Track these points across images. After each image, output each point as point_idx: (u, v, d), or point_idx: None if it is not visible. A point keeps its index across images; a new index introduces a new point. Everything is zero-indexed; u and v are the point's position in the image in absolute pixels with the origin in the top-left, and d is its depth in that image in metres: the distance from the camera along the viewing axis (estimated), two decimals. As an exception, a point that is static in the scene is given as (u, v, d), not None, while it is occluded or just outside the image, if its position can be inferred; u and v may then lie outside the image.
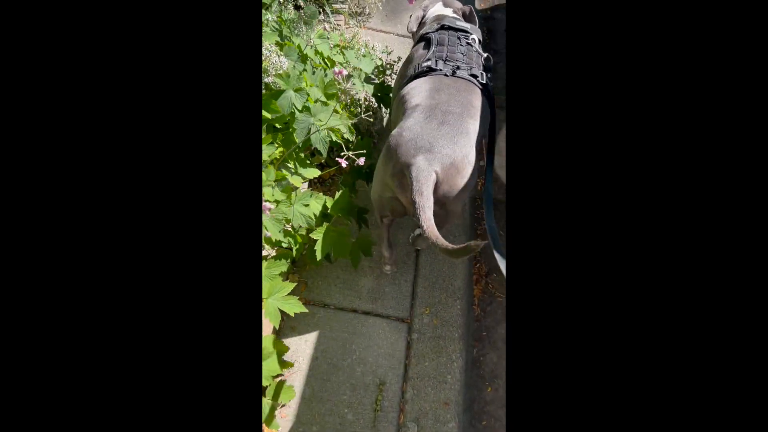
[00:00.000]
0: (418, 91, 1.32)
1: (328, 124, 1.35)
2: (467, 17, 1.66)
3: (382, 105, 1.81)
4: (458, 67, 1.37)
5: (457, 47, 1.44)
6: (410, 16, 1.67)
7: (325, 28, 2.18)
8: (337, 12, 2.16)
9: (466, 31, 1.51)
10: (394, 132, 1.22)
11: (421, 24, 1.66)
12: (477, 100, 1.32)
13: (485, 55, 1.50)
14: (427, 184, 1.10)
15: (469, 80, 1.35)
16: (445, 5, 1.68)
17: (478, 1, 2.94)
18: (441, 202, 1.18)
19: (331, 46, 1.72)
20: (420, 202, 1.09)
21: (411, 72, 1.43)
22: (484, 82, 1.38)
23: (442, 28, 1.50)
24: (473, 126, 1.25)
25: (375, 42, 2.33)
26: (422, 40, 1.53)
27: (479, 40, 1.55)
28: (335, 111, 1.38)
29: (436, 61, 1.39)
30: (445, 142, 1.15)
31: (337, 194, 1.39)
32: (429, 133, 1.16)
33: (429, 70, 1.37)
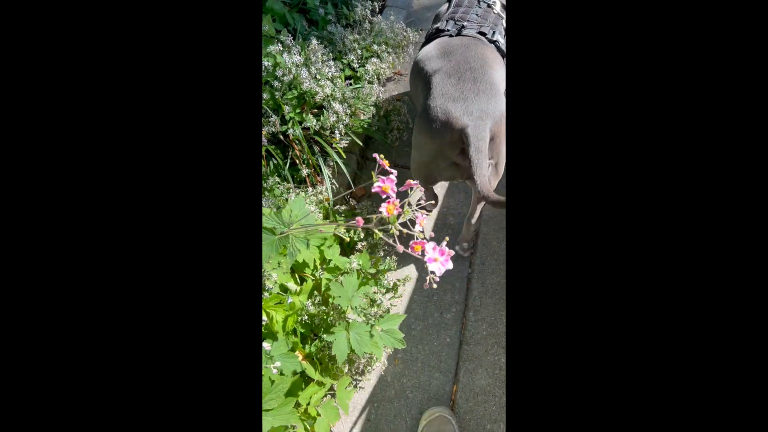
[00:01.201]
0: (429, 57, 1.30)
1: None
2: None
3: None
4: (464, 27, 1.35)
5: (473, 8, 1.41)
6: None
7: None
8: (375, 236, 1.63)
9: None
10: (431, 104, 1.18)
11: None
12: (489, 53, 1.29)
13: (505, 17, 1.44)
14: (485, 141, 1.12)
15: (476, 37, 1.33)
16: None
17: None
18: (495, 157, 1.20)
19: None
20: (478, 160, 1.11)
21: (427, 33, 1.45)
22: (494, 39, 1.36)
23: None
24: (496, 75, 1.23)
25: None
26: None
27: (502, 4, 1.49)
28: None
29: (446, 21, 1.39)
30: (488, 98, 1.15)
31: None
32: (469, 93, 1.15)
33: (437, 32, 1.38)
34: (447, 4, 1.52)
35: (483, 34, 1.35)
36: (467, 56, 1.23)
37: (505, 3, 1.49)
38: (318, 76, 1.51)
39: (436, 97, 1.18)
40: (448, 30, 1.37)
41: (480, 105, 1.14)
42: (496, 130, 1.16)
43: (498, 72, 1.25)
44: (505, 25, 1.43)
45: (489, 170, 1.22)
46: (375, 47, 1.86)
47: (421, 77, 1.30)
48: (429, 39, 1.41)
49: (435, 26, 1.42)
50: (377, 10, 2.07)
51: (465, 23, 1.37)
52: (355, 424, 1.36)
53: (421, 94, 1.29)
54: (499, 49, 1.37)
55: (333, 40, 1.85)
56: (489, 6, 1.44)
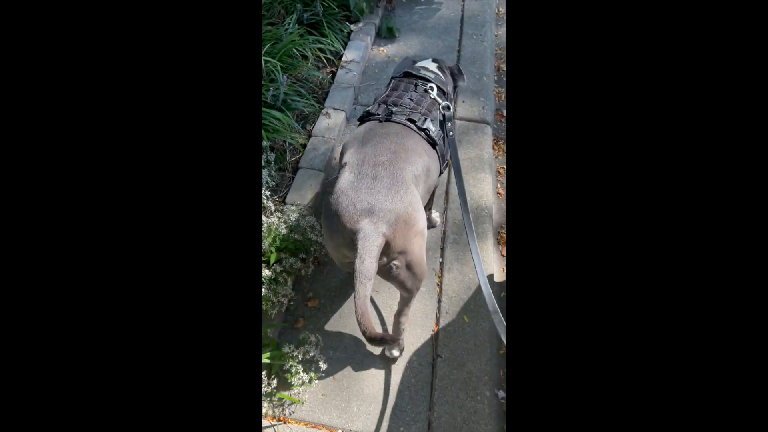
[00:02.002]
0: (350, 144, 1.27)
1: None
2: (453, 73, 1.62)
3: None
4: (392, 112, 1.33)
5: (408, 93, 1.40)
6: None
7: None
8: None
9: (426, 79, 1.46)
10: (329, 198, 1.15)
11: None
12: (412, 143, 1.25)
13: (443, 103, 1.42)
14: (372, 250, 1.05)
15: (405, 125, 1.29)
16: (434, 61, 1.59)
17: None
18: (402, 258, 1.14)
19: None
20: (360, 271, 1.02)
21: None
22: (423, 126, 1.31)
23: (405, 75, 1.49)
24: (409, 169, 1.18)
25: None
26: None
27: (444, 90, 1.48)
28: None
29: (378, 105, 1.38)
30: (384, 198, 1.10)
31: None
32: (364, 192, 1.10)
33: (368, 115, 1.36)
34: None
35: (413, 121, 1.30)
36: (379, 149, 1.19)
37: (447, 90, 1.50)
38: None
39: (333, 193, 1.14)
40: (378, 114, 1.33)
41: (376, 206, 1.08)
42: (393, 233, 1.08)
43: (414, 165, 1.20)
44: (443, 110, 1.41)
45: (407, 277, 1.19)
46: (267, 272, 1.40)
47: (340, 164, 1.28)
48: (361, 121, 1.38)
49: (367, 109, 1.39)
50: (273, 209, 1.63)
51: (395, 108, 1.34)
52: None
53: None
54: (429, 137, 1.32)
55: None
56: (426, 91, 1.41)
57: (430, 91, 1.41)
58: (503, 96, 2.45)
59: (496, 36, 2.84)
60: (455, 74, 1.61)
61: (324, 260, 1.72)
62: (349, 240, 1.08)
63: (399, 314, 1.39)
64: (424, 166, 1.24)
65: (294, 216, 1.56)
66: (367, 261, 1.03)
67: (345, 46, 2.47)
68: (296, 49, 2.22)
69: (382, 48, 2.58)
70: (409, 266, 1.17)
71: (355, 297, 1.01)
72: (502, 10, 3.05)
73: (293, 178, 1.91)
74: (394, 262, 1.14)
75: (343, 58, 2.39)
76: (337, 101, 2.18)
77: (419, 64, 1.55)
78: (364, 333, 1.01)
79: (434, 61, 1.59)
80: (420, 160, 1.22)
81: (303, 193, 1.83)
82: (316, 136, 2.03)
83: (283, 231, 1.50)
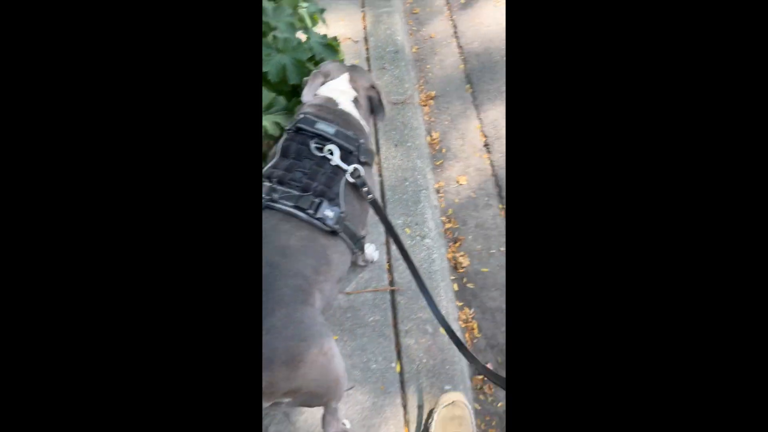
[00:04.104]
0: None
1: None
2: (373, 104, 1.27)
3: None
4: (272, 199, 0.98)
5: (302, 161, 1.05)
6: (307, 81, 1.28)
7: None
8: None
9: (325, 137, 1.07)
10: None
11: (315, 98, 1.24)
12: (300, 242, 0.95)
13: (349, 168, 1.05)
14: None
15: (291, 214, 0.97)
16: (351, 81, 1.24)
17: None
18: (293, 397, 0.91)
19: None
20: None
21: None
22: (317, 216, 0.97)
23: (298, 131, 1.09)
24: (291, 285, 0.89)
25: None
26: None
27: (350, 149, 1.08)
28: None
29: (270, 188, 1.00)
30: (275, 332, 0.86)
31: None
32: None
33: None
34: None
35: (301, 208, 0.96)
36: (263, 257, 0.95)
37: (355, 148, 1.10)
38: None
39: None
40: (275, 204, 0.98)
41: (267, 343, 0.84)
42: (270, 380, 0.82)
43: (302, 275, 0.91)
44: (351, 177, 1.05)
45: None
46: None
47: None
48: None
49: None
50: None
51: (278, 192, 0.98)
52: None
53: None
54: (327, 225, 0.98)
55: None
56: (324, 157, 1.05)
57: (329, 155, 1.05)
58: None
59: (442, 202, 1.72)
60: (375, 107, 1.28)
61: None
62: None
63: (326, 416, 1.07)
64: (317, 268, 0.94)
65: None
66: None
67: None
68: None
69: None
70: (305, 402, 0.95)
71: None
72: (435, 134, 1.93)
73: None
74: (285, 401, 0.91)
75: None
76: None
77: (325, 92, 1.19)
78: None
79: (351, 78, 1.23)
80: (311, 263, 0.93)
81: None
82: None
83: None
